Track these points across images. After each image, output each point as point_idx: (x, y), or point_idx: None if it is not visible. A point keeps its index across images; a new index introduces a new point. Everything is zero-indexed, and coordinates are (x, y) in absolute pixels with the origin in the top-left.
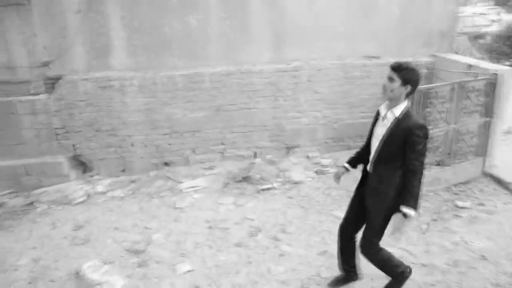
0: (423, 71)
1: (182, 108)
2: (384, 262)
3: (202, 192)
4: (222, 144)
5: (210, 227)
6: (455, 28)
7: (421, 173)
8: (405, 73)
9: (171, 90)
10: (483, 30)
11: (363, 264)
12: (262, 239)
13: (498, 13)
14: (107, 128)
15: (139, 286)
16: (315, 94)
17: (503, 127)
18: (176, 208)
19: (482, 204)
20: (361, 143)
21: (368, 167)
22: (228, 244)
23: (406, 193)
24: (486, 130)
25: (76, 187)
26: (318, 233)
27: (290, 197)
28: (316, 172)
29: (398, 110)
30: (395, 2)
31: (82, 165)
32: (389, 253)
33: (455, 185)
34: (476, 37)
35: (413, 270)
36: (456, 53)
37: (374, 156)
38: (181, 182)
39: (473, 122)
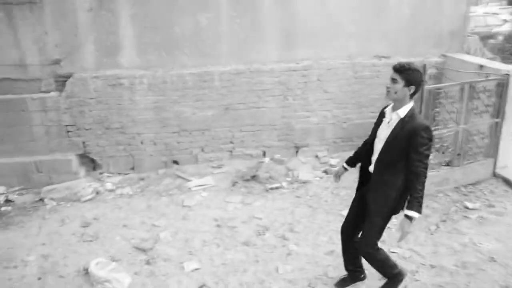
0: (432, 72)
1: (192, 107)
2: (382, 262)
3: (210, 191)
4: (231, 142)
5: (218, 226)
6: (466, 28)
7: (425, 176)
8: (408, 74)
9: (180, 88)
10: (495, 30)
11: (369, 264)
12: (270, 238)
13: (511, 13)
14: (116, 126)
15: (146, 284)
16: (324, 93)
17: None
18: (184, 206)
19: (492, 206)
20: None
21: (371, 168)
22: (235, 243)
23: (410, 196)
24: (497, 131)
25: (85, 185)
26: (325, 232)
27: (298, 197)
28: (325, 171)
29: (403, 111)
30: (405, 2)
31: (92, 163)
32: (387, 254)
33: (464, 186)
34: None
35: (421, 271)
36: (467, 53)
37: (377, 157)
38: (190, 180)
39: (484, 122)
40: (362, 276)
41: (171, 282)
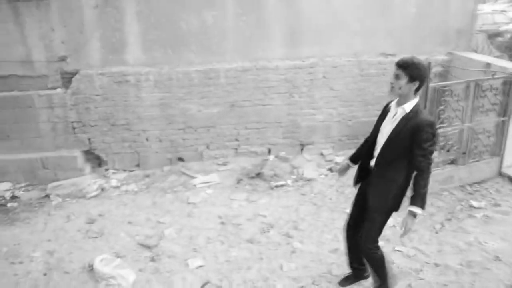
0: (438, 70)
1: (197, 104)
2: (379, 262)
3: (215, 188)
4: (236, 140)
5: (222, 223)
6: (473, 26)
7: (428, 172)
8: (411, 70)
9: (186, 85)
10: (503, 27)
11: (367, 261)
12: (274, 235)
13: None
14: (122, 123)
15: (151, 280)
16: (330, 91)
17: None
18: (189, 203)
19: (498, 205)
20: None
21: (372, 163)
22: (240, 240)
23: (413, 192)
24: (503, 129)
25: (90, 181)
26: (330, 230)
27: (303, 194)
28: (330, 169)
29: (409, 106)
30: (411, 0)
31: (97, 159)
32: (386, 257)
33: (469, 185)
34: (495, 34)
35: (425, 270)
36: (475, 51)
37: (379, 152)
38: (195, 177)
39: (490, 121)
40: (366, 274)
41: (175, 279)
